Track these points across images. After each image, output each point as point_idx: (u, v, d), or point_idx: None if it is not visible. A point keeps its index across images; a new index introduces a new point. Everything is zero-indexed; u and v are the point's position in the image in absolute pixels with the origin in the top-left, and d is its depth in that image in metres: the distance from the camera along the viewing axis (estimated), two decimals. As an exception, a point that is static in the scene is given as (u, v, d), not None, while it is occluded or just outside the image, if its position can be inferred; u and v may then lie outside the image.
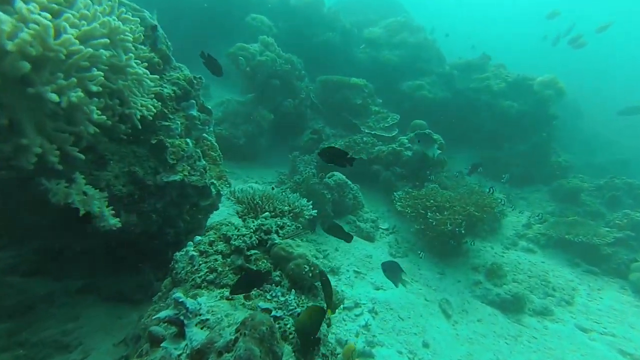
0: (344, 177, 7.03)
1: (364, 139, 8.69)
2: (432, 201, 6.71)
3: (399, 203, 7.05)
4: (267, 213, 3.46)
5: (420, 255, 6.53)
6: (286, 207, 3.77)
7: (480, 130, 11.41)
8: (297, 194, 4.47)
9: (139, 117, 2.90)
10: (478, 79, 11.49)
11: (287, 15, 13.03)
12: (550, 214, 9.36)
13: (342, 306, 4.95)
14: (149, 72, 2.92)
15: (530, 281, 6.58)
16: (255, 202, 3.72)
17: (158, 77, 3.37)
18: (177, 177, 3.47)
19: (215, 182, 4.39)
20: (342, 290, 5.46)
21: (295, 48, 12.37)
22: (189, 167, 3.65)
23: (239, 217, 3.74)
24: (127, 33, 2.62)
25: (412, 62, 12.58)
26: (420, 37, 12.92)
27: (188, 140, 3.73)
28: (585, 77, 26.57)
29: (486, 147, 11.48)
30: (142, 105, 2.99)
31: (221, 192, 4.39)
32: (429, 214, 6.50)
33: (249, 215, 3.67)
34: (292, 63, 9.11)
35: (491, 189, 7.08)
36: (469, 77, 11.81)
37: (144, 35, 3.14)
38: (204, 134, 4.86)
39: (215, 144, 5.08)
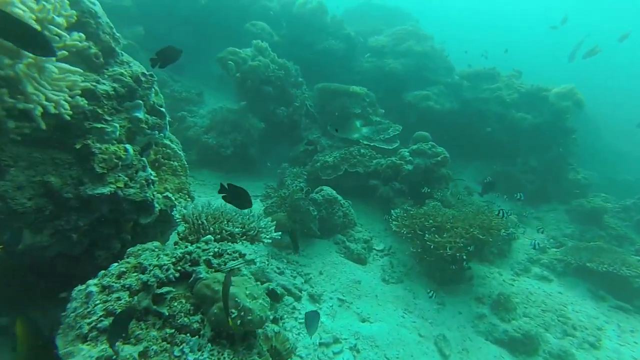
0: (333, 192, 6.38)
1: (362, 150, 8.04)
2: (431, 221, 5.97)
3: (395, 222, 6.33)
4: (209, 236, 2.83)
5: (430, 294, 5.57)
6: (237, 229, 3.14)
7: (490, 144, 10.61)
8: (261, 212, 3.82)
9: (39, 113, 2.36)
10: (488, 89, 10.77)
11: (290, 23, 12.68)
12: (569, 237, 8.44)
13: (314, 345, 4.24)
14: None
15: (545, 316, 5.71)
16: (199, 221, 3.09)
17: (83, 70, 2.84)
18: (106, 190, 2.89)
19: (170, 195, 3.82)
20: (322, 322, 4.76)
21: (298, 56, 11.94)
22: (125, 178, 3.06)
23: (180, 240, 3.13)
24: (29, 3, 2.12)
25: (418, 71, 11.96)
26: (427, 46, 12.32)
27: (128, 146, 3.16)
28: (604, 90, 25.42)
29: (497, 162, 10.66)
30: (49, 100, 2.45)
31: (179, 207, 3.82)
32: (427, 235, 5.76)
33: (191, 237, 3.05)
34: (286, 69, 8.61)
35: (501, 212, 6.33)
36: (478, 87, 11.10)
37: (77, 20, 2.66)
38: (165, 141, 4.32)
39: (179, 152, 4.53)
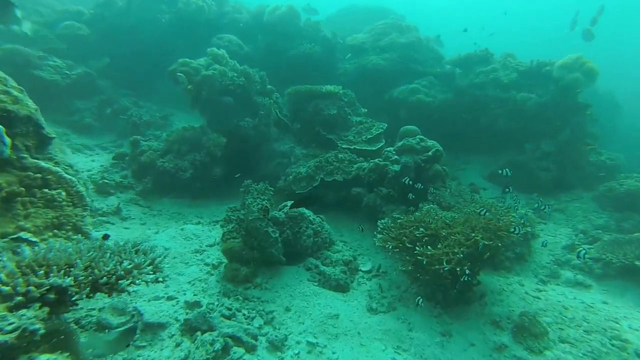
0: (301, 208, 5.25)
1: (339, 155, 6.93)
2: (422, 229, 4.75)
3: (379, 235, 5.12)
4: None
5: (418, 302, 4.35)
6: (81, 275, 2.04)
7: (492, 131, 9.34)
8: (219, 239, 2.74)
9: None
10: (482, 72, 9.59)
11: (263, 33, 11.95)
12: (603, 228, 6.99)
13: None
14: None
15: (591, 340, 4.31)
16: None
17: None
18: None
19: (26, 236, 2.78)
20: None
21: (274, 66, 11.15)
22: None
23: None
24: None
25: (405, 64, 10.92)
26: (412, 37, 11.31)
27: None
28: (620, 66, 23.74)
29: (503, 151, 9.36)
30: None
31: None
32: (418, 248, 4.53)
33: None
34: (248, 76, 7.68)
35: (510, 204, 5.07)
36: (472, 72, 9.93)
37: None
38: (42, 164, 3.33)
39: (67, 176, 3.52)
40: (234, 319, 4.09)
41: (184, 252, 5.17)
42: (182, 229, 5.67)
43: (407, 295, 5.00)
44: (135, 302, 3.80)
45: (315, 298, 4.70)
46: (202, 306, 4.16)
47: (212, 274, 4.86)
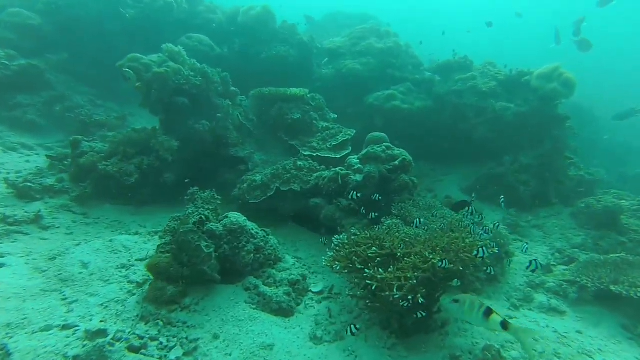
0: (240, 219, 4.65)
1: (299, 163, 6.36)
2: (374, 249, 4.18)
3: (330, 253, 4.53)
4: None
5: (351, 330, 3.71)
6: None
7: (471, 142, 8.91)
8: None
9: None
10: (461, 79, 9.19)
11: (238, 35, 11.43)
12: (580, 247, 6.54)
13: None
14: None
15: (558, 378, 3.77)
16: None
17: None
18: None
19: None
20: None
21: (249, 69, 10.66)
22: None
23: None
24: None
25: (382, 70, 10.50)
26: (390, 42, 10.91)
27: None
28: (601, 83, 23.83)
29: (483, 163, 8.92)
30: None
31: None
32: (368, 270, 3.95)
33: None
34: (206, 76, 7.11)
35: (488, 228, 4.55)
36: (451, 79, 9.54)
37: None
38: None
39: None
40: (143, 351, 3.44)
41: (106, 267, 4.50)
42: (110, 241, 5.00)
43: (359, 322, 4.39)
44: (12, 336, 3.12)
45: (250, 324, 4.07)
46: (108, 335, 3.50)
47: (135, 294, 4.20)
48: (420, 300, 3.54)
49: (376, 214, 5.18)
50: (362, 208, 5.22)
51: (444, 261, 3.71)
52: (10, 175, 5.85)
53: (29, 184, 5.59)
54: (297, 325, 4.26)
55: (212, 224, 4.49)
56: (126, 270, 4.56)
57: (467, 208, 5.06)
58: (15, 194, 5.47)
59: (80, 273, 4.26)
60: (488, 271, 5.69)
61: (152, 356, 3.43)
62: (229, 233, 4.48)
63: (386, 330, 4.24)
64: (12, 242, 4.60)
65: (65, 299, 3.85)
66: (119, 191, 6.39)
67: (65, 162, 6.67)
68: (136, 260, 4.78)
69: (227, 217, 4.66)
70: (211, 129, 6.92)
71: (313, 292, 4.86)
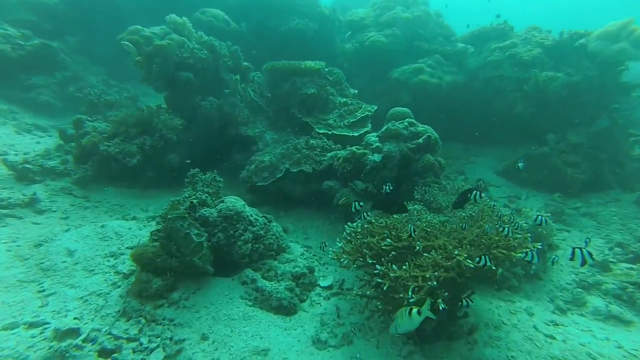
0: (238, 204, 4.10)
1: (311, 142, 5.72)
2: (389, 240, 3.49)
3: (339, 243, 3.90)
4: None
5: (354, 332, 3.14)
6: None
7: (508, 119, 7.84)
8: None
9: None
10: (498, 48, 8.06)
11: (253, 9, 10.78)
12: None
13: None
14: None
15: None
16: None
17: None
18: None
19: None
20: None
21: (266, 45, 10.09)
22: None
23: None
24: None
25: (409, 41, 9.51)
26: (418, 11, 9.84)
27: None
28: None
29: (521, 143, 7.86)
30: None
31: None
32: (379, 267, 3.29)
33: None
34: (213, 49, 6.56)
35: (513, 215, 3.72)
36: (487, 49, 8.42)
37: None
38: None
39: None
40: (116, 354, 3.02)
41: (92, 256, 4.14)
42: (102, 226, 4.65)
43: (371, 323, 3.79)
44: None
45: (244, 323, 3.56)
46: (79, 335, 3.11)
47: (119, 286, 3.80)
48: (441, 306, 2.85)
49: (392, 187, 4.42)
50: (388, 184, 4.49)
51: (482, 257, 2.97)
52: (10, 157, 5.65)
53: (28, 166, 5.35)
54: (298, 325, 3.71)
55: (206, 209, 3.98)
56: (114, 259, 4.18)
57: (474, 192, 4.01)
58: (15, 175, 5.25)
59: (64, 262, 3.92)
60: (532, 270, 4.87)
61: (126, 360, 3.00)
62: (224, 220, 3.96)
63: (403, 335, 3.60)
64: (2, 226, 4.35)
65: (43, 290, 3.51)
66: (121, 173, 6.07)
67: (72, 144, 6.43)
68: (127, 248, 4.40)
69: (223, 201, 4.13)
70: (219, 105, 6.40)
71: (321, 287, 4.28)
